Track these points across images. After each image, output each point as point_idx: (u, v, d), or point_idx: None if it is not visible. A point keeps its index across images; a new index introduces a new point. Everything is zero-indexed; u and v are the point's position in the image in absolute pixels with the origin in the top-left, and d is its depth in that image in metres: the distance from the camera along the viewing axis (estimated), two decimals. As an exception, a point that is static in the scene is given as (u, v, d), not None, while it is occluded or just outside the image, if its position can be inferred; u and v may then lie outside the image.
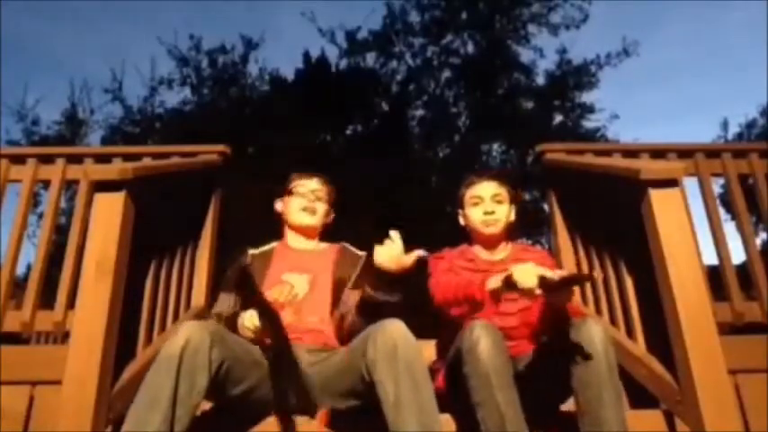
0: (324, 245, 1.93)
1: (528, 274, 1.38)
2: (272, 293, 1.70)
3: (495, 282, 1.47)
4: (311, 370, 1.54)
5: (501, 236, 1.85)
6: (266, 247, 1.89)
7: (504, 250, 1.86)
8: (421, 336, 1.47)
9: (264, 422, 1.47)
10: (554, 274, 1.37)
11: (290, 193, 1.91)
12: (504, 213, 1.83)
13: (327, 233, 1.98)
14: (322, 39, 11.03)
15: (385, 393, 1.25)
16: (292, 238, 1.91)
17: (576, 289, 2.27)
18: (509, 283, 1.41)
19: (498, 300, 1.48)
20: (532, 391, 1.52)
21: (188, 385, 1.24)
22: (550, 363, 1.47)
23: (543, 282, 1.36)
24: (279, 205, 1.96)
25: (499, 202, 1.83)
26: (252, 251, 1.87)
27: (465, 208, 1.88)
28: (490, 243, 1.85)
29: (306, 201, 1.88)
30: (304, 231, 1.89)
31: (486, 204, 1.82)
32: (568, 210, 2.40)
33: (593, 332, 1.37)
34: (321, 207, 1.90)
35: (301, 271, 1.78)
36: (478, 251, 1.86)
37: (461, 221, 1.92)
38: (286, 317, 1.64)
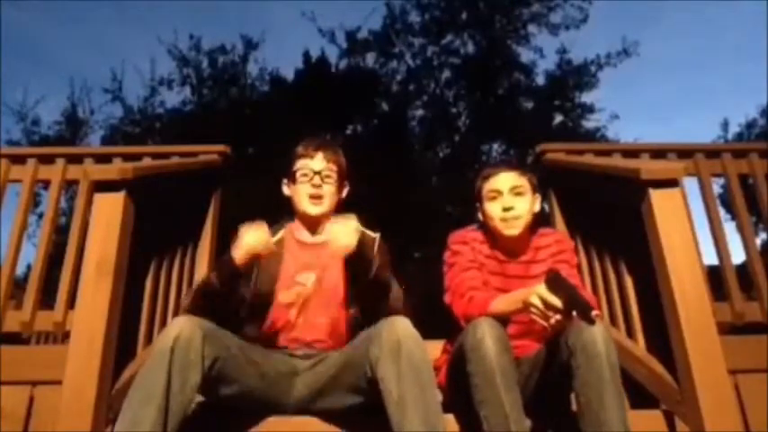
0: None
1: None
2: (285, 296, 1.62)
3: (500, 304, 1.47)
4: (312, 369, 1.53)
5: (523, 235, 1.69)
6: (275, 237, 1.71)
7: (527, 251, 1.72)
8: (424, 336, 1.47)
9: (264, 422, 1.47)
10: (568, 283, 1.35)
11: (294, 176, 1.72)
12: (526, 207, 1.67)
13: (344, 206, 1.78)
14: (322, 39, 11.08)
15: (388, 391, 1.24)
16: (301, 228, 1.75)
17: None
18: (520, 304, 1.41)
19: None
20: (534, 391, 1.53)
21: (180, 380, 1.23)
22: (552, 363, 1.46)
23: (555, 278, 1.35)
24: (286, 189, 1.77)
25: (519, 194, 1.67)
26: None
27: (482, 203, 1.72)
28: (511, 244, 1.70)
29: (311, 186, 1.69)
30: (313, 221, 1.72)
31: (505, 199, 1.66)
32: (568, 210, 2.40)
33: (596, 333, 1.35)
34: (329, 189, 1.70)
35: (310, 269, 1.67)
36: (500, 251, 1.72)
37: (479, 216, 1.76)
38: (293, 317, 1.60)
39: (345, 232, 1.48)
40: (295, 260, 1.69)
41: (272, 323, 1.62)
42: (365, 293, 1.53)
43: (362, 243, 1.48)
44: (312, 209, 1.69)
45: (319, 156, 1.71)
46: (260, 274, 1.67)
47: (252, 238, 1.49)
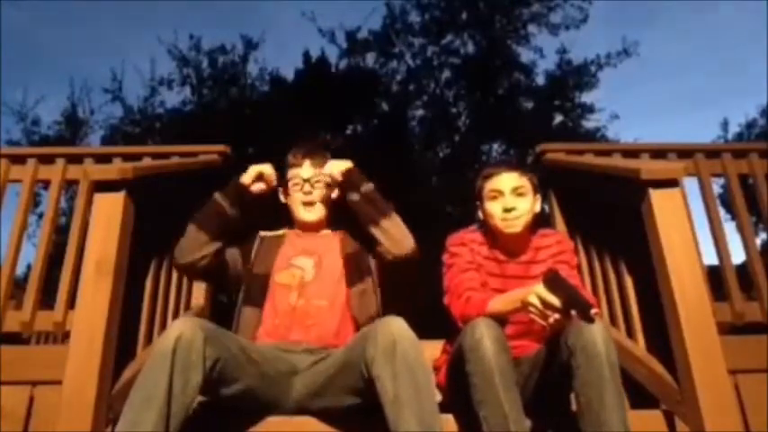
0: (329, 230, 1.90)
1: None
2: (282, 277, 1.71)
3: (498, 304, 1.47)
4: (311, 369, 1.54)
5: (524, 234, 1.70)
6: (279, 232, 1.88)
7: (527, 251, 1.73)
8: (423, 335, 1.47)
9: (264, 422, 1.47)
10: (567, 283, 1.35)
11: (287, 186, 1.86)
12: (527, 207, 1.67)
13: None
14: (322, 39, 11.06)
15: (384, 391, 1.24)
16: (300, 228, 1.89)
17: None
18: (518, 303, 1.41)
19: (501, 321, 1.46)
20: (533, 391, 1.53)
21: (182, 382, 1.24)
22: (551, 363, 1.46)
23: (554, 277, 1.35)
24: (282, 198, 1.91)
25: (521, 194, 1.67)
26: (263, 233, 1.86)
27: (483, 202, 1.72)
28: (511, 243, 1.71)
29: (303, 194, 1.82)
30: (310, 227, 1.86)
31: (507, 199, 1.66)
32: (568, 210, 2.40)
33: (596, 332, 1.34)
34: (319, 193, 1.83)
35: (309, 254, 1.77)
36: (500, 251, 1.73)
37: (479, 215, 1.77)
38: (294, 300, 1.66)
39: (344, 162, 1.80)
40: (293, 246, 1.81)
41: (273, 307, 1.67)
42: (368, 207, 1.70)
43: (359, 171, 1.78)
44: (307, 215, 1.83)
45: (307, 163, 1.84)
46: (257, 258, 1.78)
47: (260, 166, 1.78)
